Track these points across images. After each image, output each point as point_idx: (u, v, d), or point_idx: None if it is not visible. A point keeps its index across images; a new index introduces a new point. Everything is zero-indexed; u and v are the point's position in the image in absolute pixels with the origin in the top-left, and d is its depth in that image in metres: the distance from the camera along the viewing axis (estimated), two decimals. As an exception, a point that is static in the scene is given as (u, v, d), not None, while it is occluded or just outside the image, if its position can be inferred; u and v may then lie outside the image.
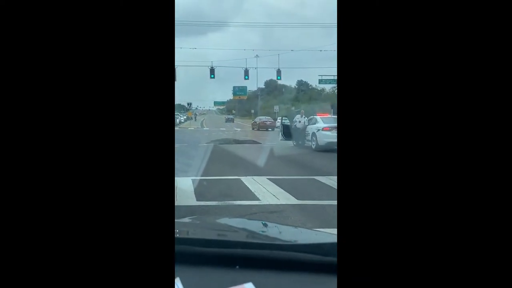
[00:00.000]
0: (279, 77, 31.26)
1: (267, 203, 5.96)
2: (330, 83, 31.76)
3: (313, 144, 14.19)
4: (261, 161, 10.96)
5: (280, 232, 1.45)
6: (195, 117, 52.88)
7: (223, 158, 11.76)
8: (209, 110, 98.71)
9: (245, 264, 1.00)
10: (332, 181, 7.61)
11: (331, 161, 11.19)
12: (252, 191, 6.77)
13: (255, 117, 39.15)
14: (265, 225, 1.56)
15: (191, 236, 1.27)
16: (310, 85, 59.15)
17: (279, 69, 30.56)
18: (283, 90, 61.03)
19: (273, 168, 9.70)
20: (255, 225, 1.63)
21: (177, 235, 0.97)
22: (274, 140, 17.81)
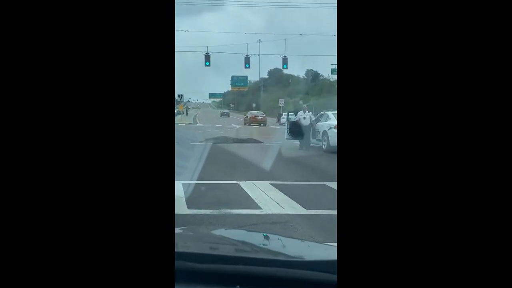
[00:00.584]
0: (285, 66, 31.29)
1: (270, 212, 5.97)
2: (344, 73, 31.85)
3: (324, 144, 14.12)
4: (263, 163, 11.00)
5: (284, 246, 1.48)
6: (186, 111, 52.91)
7: (219, 160, 11.79)
8: (203, 103, 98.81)
9: (246, 282, 1.02)
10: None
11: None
12: (253, 198, 6.79)
13: (259, 112, 40.39)
14: (267, 237, 1.58)
15: (182, 249, 1.28)
16: (321, 76, 59.31)
17: (285, 57, 30.61)
18: (290, 81, 61.12)
19: (277, 171, 9.73)
20: (255, 238, 1.65)
21: None
22: (278, 139, 17.84)
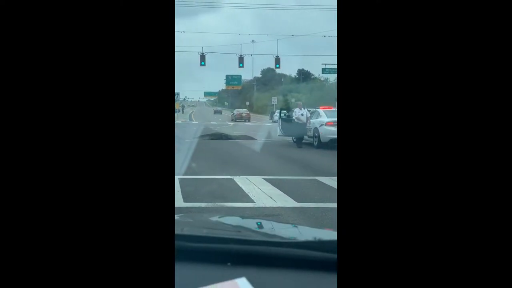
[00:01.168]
0: (277, 66, 31.29)
1: (263, 205, 6.02)
2: (334, 72, 31.83)
3: (315, 141, 14.17)
4: (257, 159, 11.02)
5: (278, 230, 1.51)
6: (182, 109, 52.70)
7: (214, 155, 11.80)
8: (198, 101, 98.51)
9: (240, 260, 1.06)
10: (335, 182, 7.66)
11: (334, 159, 11.24)
12: (246, 192, 6.83)
13: (250, 110, 41.10)
14: (261, 223, 1.62)
15: (181, 232, 1.32)
16: (312, 75, 59.23)
17: (277, 57, 30.59)
18: (282, 80, 61.03)
19: (269, 167, 9.76)
20: (250, 224, 1.69)
21: None
22: (271, 136, 17.85)
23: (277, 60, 30.53)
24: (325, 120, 14.02)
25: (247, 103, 62.48)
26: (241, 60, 30.42)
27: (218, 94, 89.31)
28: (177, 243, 1.08)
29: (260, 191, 6.86)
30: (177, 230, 1.33)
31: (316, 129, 14.17)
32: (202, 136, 17.39)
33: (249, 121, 36.75)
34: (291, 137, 15.70)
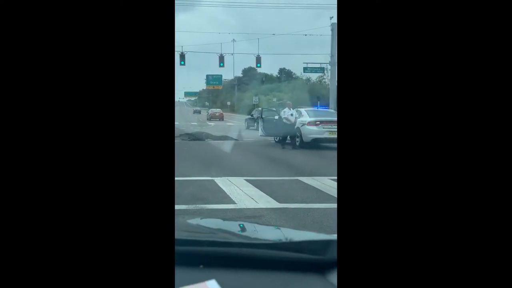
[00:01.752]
0: (258, 65, 31.30)
1: (244, 206, 6.01)
2: (316, 71, 32.03)
3: (297, 141, 14.21)
4: (238, 159, 11.01)
5: (260, 232, 1.49)
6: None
7: (193, 156, 11.75)
8: (178, 101, 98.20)
9: (215, 263, 1.04)
10: (317, 182, 7.71)
11: (317, 160, 11.32)
12: (227, 193, 6.82)
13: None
14: (243, 225, 1.60)
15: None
16: (294, 74, 59.60)
17: (259, 56, 30.63)
18: (263, 79, 61.19)
19: (251, 168, 9.76)
20: (231, 226, 1.67)
21: None
22: (252, 136, 17.88)
23: (258, 59, 30.57)
24: (306, 119, 14.08)
25: (228, 103, 62.55)
26: (221, 59, 30.36)
27: (199, 94, 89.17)
28: None
29: (242, 192, 6.85)
30: None
31: (298, 129, 14.20)
32: (181, 136, 17.29)
33: (222, 119, 39.66)
34: (272, 138, 15.75)
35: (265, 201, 6.30)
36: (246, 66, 66.70)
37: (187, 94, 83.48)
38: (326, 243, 1.11)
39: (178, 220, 2.38)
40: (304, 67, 30.52)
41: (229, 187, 7.23)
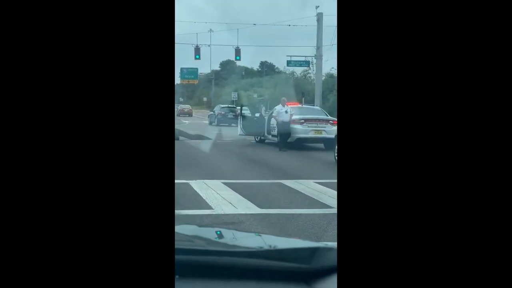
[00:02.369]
0: (238, 58, 31.23)
1: (222, 212, 6.00)
2: (300, 65, 32.06)
3: (276, 140, 14.18)
4: (215, 161, 11.00)
5: (239, 239, 1.51)
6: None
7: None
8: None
9: (191, 272, 1.06)
10: (301, 185, 7.74)
11: (301, 161, 11.37)
12: (203, 198, 6.80)
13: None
14: (220, 232, 1.61)
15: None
16: (277, 68, 59.61)
17: (238, 48, 30.58)
18: (243, 73, 61.14)
19: (229, 170, 9.76)
20: (208, 233, 1.68)
21: None
22: (230, 136, 17.86)
23: (238, 52, 30.49)
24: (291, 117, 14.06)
25: (205, 99, 62.29)
26: (197, 51, 30.19)
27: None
28: None
29: (219, 196, 6.84)
30: None
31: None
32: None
33: (191, 115, 43.20)
34: (252, 137, 15.71)
35: (244, 206, 6.30)
36: (225, 59, 66.58)
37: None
38: (311, 251, 1.13)
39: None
40: (287, 61, 30.53)
41: (206, 191, 7.22)
